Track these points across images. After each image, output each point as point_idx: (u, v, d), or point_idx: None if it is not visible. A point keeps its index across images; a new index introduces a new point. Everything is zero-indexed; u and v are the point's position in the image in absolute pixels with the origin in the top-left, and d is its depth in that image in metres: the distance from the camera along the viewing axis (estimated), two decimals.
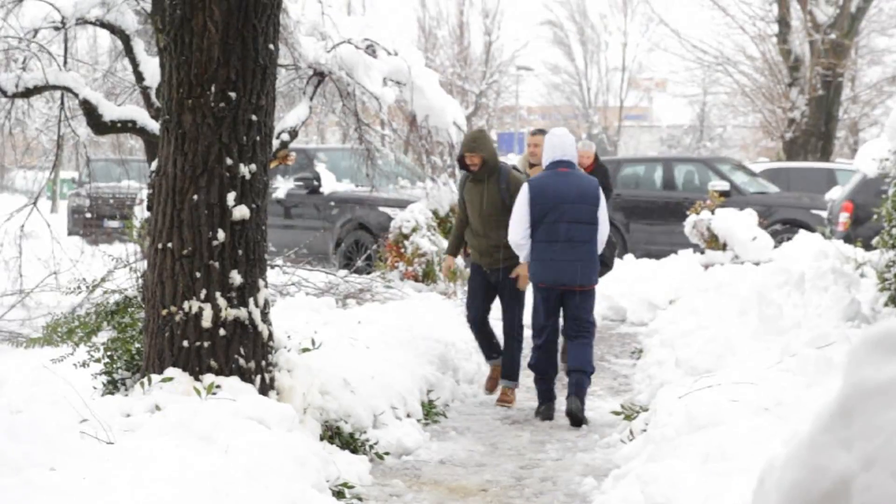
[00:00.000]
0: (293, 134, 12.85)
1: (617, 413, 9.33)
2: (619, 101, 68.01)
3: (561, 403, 9.59)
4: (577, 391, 9.39)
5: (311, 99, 13.03)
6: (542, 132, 10.88)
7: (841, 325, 9.04)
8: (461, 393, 10.54)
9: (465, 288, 11.63)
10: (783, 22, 33.01)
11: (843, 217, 18.29)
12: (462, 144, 10.40)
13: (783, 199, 22.10)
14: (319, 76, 12.98)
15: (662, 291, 15.54)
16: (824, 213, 20.19)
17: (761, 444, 5.58)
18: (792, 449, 2.94)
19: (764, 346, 8.68)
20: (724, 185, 20.46)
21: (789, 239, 16.98)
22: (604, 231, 9.60)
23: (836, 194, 20.16)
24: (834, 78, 31.38)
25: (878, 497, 2.67)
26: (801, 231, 17.07)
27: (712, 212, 17.55)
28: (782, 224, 20.81)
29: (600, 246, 9.59)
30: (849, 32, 31.11)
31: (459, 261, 12.86)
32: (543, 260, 9.44)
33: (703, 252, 17.25)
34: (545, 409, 9.62)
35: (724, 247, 16.92)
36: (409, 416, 8.94)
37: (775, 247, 16.66)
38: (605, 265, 10.88)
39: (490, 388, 10.56)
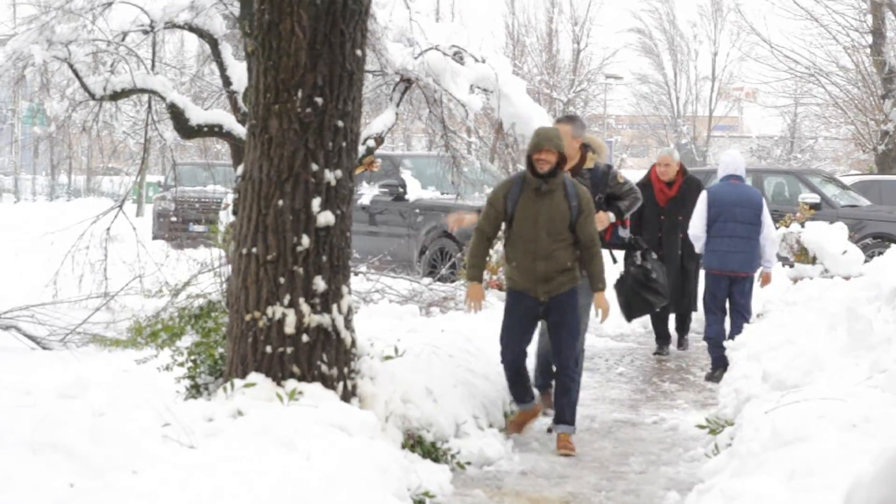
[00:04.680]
0: (379, 140, 12.86)
1: (702, 427, 9.21)
2: (709, 111, 67.76)
3: None
4: (718, 362, 11.61)
5: (398, 105, 13.02)
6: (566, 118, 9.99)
7: None
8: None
9: None
10: (877, 32, 32.54)
11: None
12: (537, 137, 8.53)
13: (874, 212, 21.76)
14: (406, 82, 12.97)
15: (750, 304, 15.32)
16: None
17: (849, 461, 5.46)
18: (880, 466, 2.87)
19: (853, 362, 8.50)
20: (815, 198, 20.20)
21: (880, 253, 16.72)
22: (769, 233, 11.68)
23: None
24: None
25: None
26: (893, 245, 16.80)
27: (802, 225, 17.32)
28: (873, 238, 20.52)
29: (770, 245, 11.79)
30: None
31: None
32: (716, 251, 11.66)
33: (792, 265, 17.01)
34: (718, 374, 11.37)
35: (813, 260, 16.68)
36: (491, 426, 8.86)
37: (866, 261, 16.41)
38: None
39: (513, 429, 9.15)
